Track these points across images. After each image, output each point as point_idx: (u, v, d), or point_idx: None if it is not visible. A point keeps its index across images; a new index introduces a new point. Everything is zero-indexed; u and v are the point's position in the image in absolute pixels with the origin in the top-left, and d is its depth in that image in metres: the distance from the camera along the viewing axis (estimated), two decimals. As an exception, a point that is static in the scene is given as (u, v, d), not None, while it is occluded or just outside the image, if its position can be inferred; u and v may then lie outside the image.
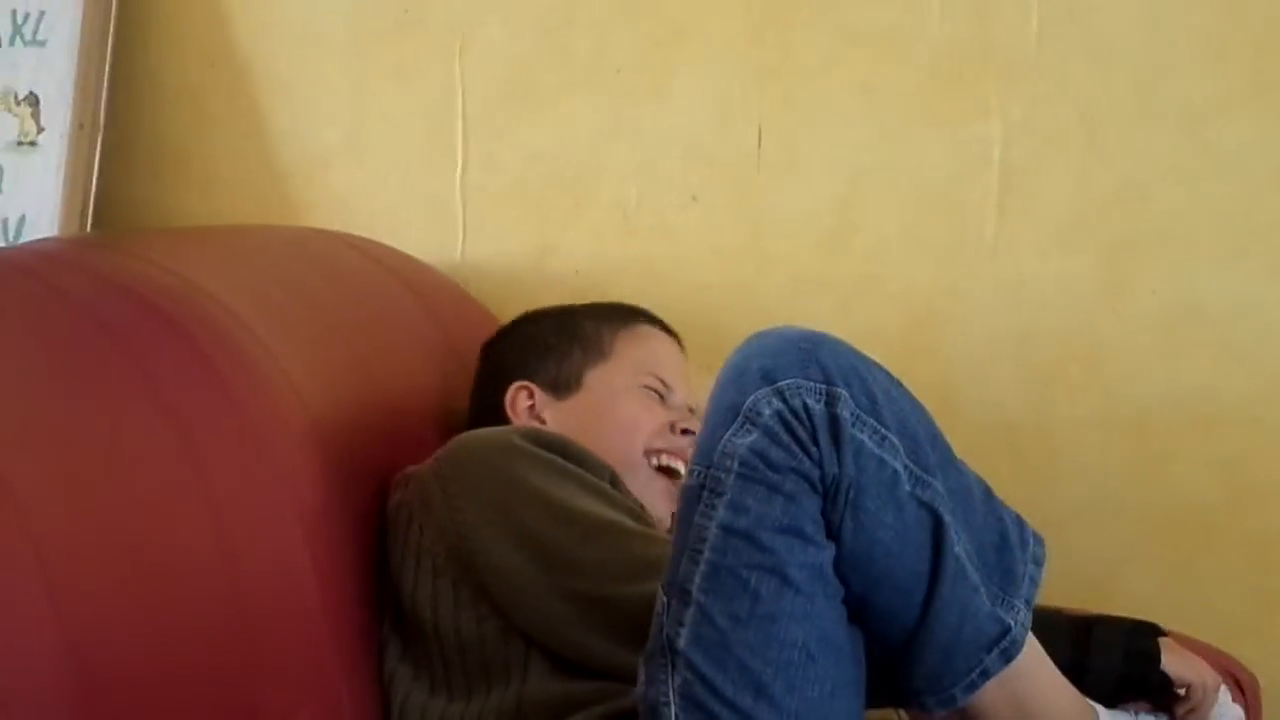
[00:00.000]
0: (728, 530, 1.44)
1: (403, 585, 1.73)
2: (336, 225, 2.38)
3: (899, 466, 1.45)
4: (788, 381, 1.44)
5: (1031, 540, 1.54)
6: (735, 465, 1.44)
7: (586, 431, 1.87)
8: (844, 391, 1.44)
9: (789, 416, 1.43)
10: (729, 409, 1.46)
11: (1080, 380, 2.19)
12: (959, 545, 1.46)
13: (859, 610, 1.47)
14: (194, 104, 2.49)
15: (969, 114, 2.18)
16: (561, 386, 1.95)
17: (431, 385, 2.04)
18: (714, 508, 1.45)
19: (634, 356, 1.96)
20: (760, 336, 1.51)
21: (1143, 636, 1.67)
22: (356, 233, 2.34)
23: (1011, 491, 2.11)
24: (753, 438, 1.44)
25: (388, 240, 2.34)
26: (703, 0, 2.28)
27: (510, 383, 1.96)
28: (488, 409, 1.97)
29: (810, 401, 1.44)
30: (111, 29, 2.42)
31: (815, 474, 1.43)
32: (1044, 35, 2.15)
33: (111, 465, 1.47)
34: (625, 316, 2.02)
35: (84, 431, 1.47)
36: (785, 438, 1.43)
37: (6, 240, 2.38)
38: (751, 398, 1.45)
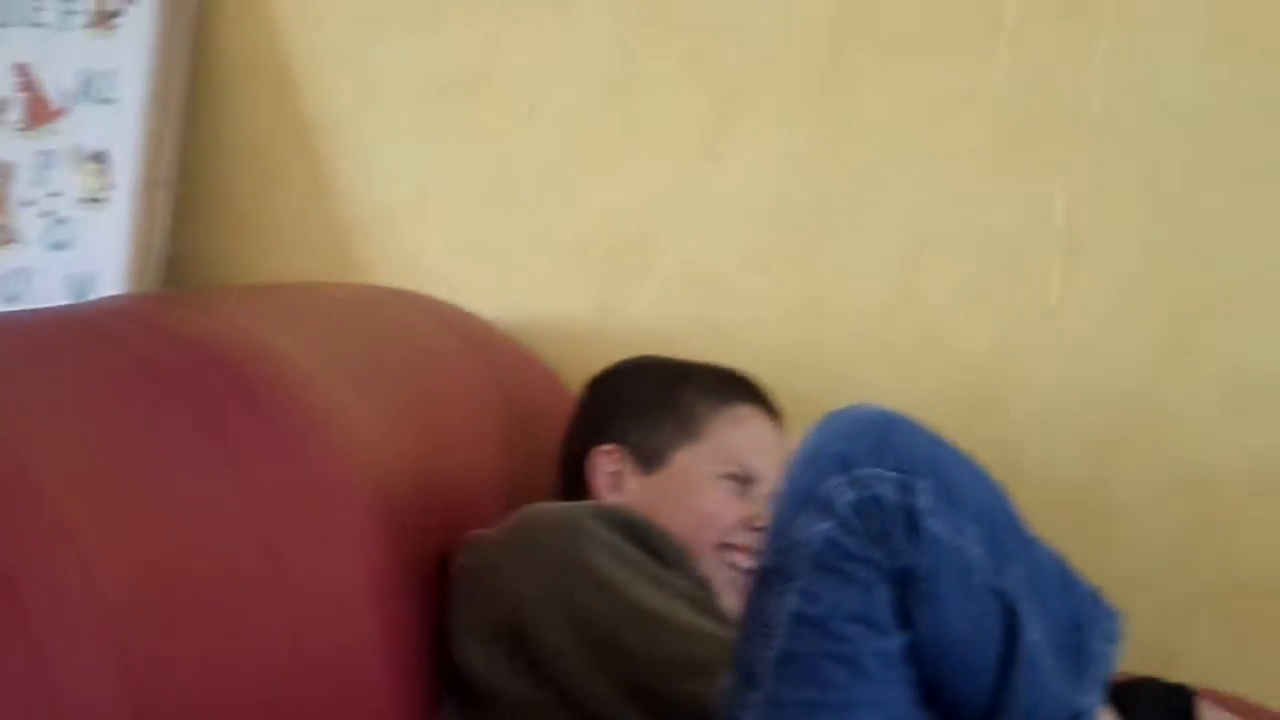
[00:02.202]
0: (799, 618, 1.42)
1: (457, 646, 1.73)
2: (402, 282, 2.40)
3: (974, 556, 1.43)
4: (863, 470, 1.43)
5: (1104, 617, 1.51)
6: (809, 553, 1.43)
7: (663, 512, 1.85)
8: (920, 481, 1.43)
9: (864, 506, 1.42)
10: (804, 495, 1.45)
11: (1144, 444, 2.17)
12: (1032, 631, 1.44)
13: (932, 694, 1.45)
14: (262, 161, 2.51)
15: (1032, 176, 2.18)
16: (648, 459, 1.93)
17: (492, 443, 2.05)
18: (785, 594, 1.43)
19: (725, 442, 1.93)
20: (834, 418, 1.49)
21: (1178, 697, 1.65)
22: (422, 290, 2.35)
23: (1074, 554, 2.10)
24: (827, 526, 1.42)
25: (452, 298, 2.36)
26: (765, 62, 2.29)
27: (600, 439, 1.96)
28: (575, 461, 1.97)
29: (886, 492, 1.42)
30: (181, 87, 2.44)
31: (890, 564, 1.42)
32: (1106, 98, 2.14)
33: (178, 521, 1.48)
34: (727, 392, 1.98)
35: (151, 488, 1.48)
36: (860, 528, 1.42)
37: (76, 297, 2.40)
38: (826, 485, 1.44)
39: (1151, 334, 2.16)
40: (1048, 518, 2.16)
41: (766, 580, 1.46)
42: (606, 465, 1.94)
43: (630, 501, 1.90)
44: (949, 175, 2.22)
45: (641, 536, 1.76)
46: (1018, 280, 2.20)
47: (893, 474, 1.43)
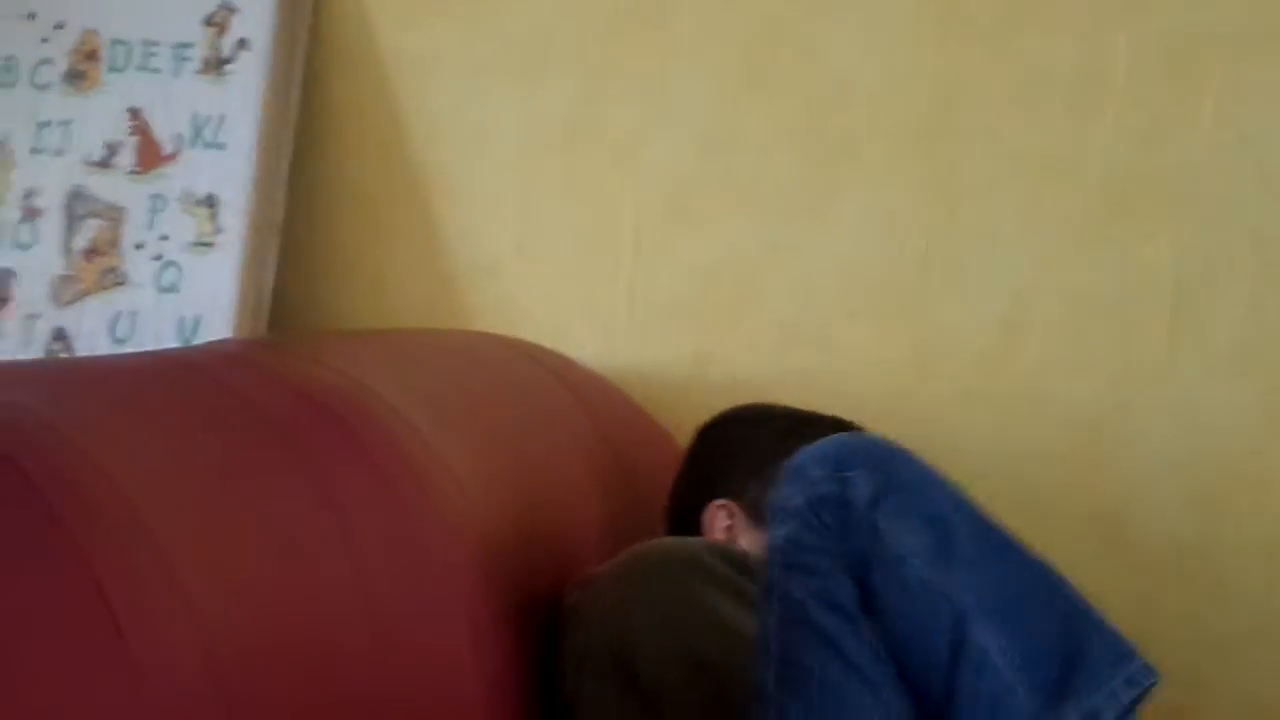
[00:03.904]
0: (784, 622, 1.52)
1: (569, 684, 1.72)
2: (504, 329, 2.41)
3: (907, 550, 1.51)
4: (814, 473, 1.55)
5: (1130, 663, 1.50)
6: (778, 558, 1.54)
7: None
8: (861, 475, 1.53)
9: (816, 503, 1.53)
10: (771, 515, 1.58)
11: (1247, 504, 2.16)
12: (986, 638, 1.48)
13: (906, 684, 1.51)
14: (369, 208, 2.53)
15: (1138, 236, 2.18)
16: (762, 515, 1.86)
17: (593, 489, 2.05)
18: (771, 605, 1.54)
19: None
20: (812, 445, 1.60)
21: None
22: (523, 337, 2.36)
23: (1177, 613, 2.09)
24: (788, 528, 1.54)
25: (553, 344, 2.37)
26: (869, 119, 2.30)
27: (715, 493, 1.96)
28: (689, 509, 1.98)
29: (832, 488, 1.53)
30: (289, 134, 2.47)
31: (843, 552, 1.51)
32: (1215, 158, 2.14)
33: (280, 565, 1.49)
34: None
35: (255, 532, 1.49)
36: (815, 522, 1.53)
37: (183, 339, 2.42)
38: (783, 495, 1.56)
39: (1257, 395, 2.15)
40: (1150, 575, 2.17)
41: (758, 606, 1.56)
42: (721, 520, 1.95)
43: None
44: (1054, 233, 2.22)
45: (756, 572, 1.75)
46: (1123, 339, 2.19)
47: (837, 473, 1.53)
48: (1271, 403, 2.14)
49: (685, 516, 1.98)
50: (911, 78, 2.28)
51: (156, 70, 2.51)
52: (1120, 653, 1.51)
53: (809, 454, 1.58)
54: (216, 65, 2.48)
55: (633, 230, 2.41)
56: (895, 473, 1.54)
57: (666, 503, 2.02)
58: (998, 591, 1.50)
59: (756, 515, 1.91)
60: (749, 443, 2.00)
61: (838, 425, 2.00)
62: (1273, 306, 2.14)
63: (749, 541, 1.91)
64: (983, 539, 1.53)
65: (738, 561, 1.76)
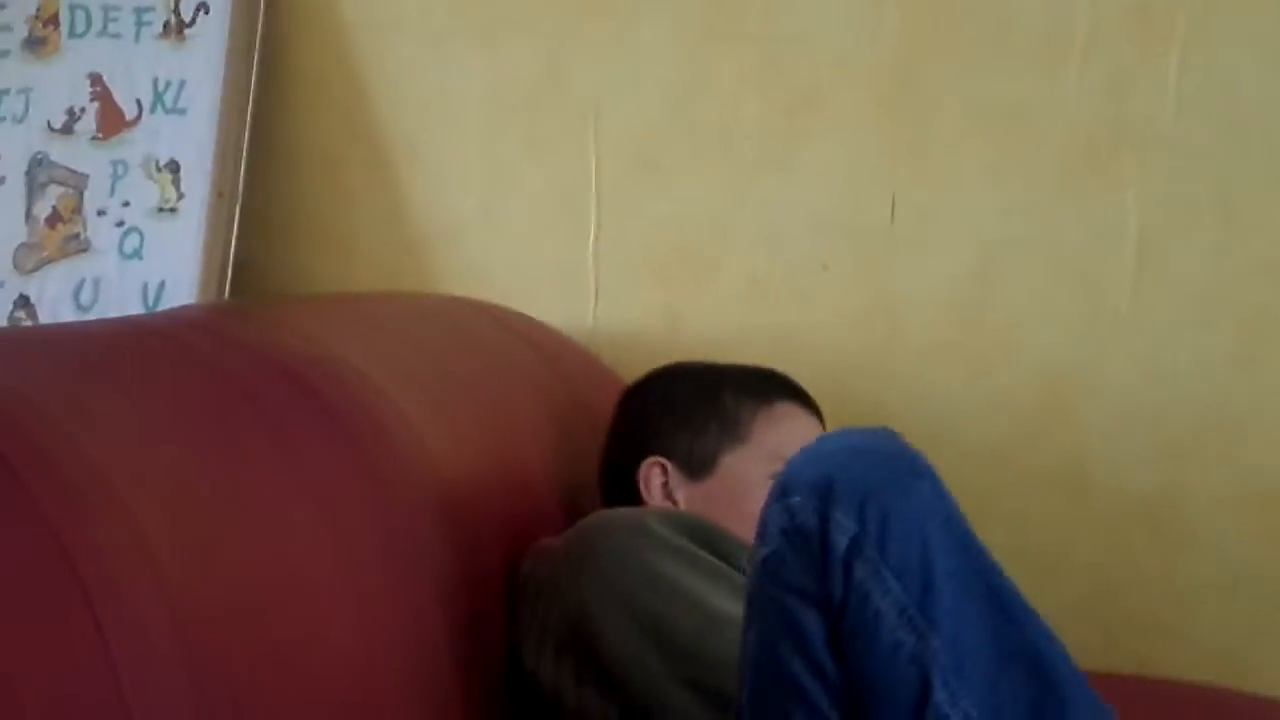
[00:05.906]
0: (757, 658, 1.45)
1: (525, 657, 1.73)
2: (470, 292, 2.40)
3: (882, 608, 1.40)
4: (796, 499, 1.43)
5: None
6: (759, 576, 1.45)
7: (716, 517, 1.83)
8: (844, 519, 1.41)
9: (794, 534, 1.42)
10: (761, 519, 1.47)
11: (1213, 453, 2.17)
12: (952, 707, 1.39)
13: None
14: (332, 173, 2.52)
15: (1104, 187, 2.18)
16: (696, 466, 1.92)
17: (561, 451, 2.04)
18: (750, 626, 1.47)
19: (771, 442, 1.91)
20: (818, 441, 1.52)
21: None
22: (490, 299, 2.36)
23: (1145, 563, 2.10)
24: (769, 549, 1.44)
25: (520, 306, 2.36)
26: (834, 72, 2.29)
27: (645, 453, 1.94)
28: (621, 474, 1.96)
29: (812, 524, 1.42)
30: (251, 98, 2.45)
31: (816, 590, 1.42)
32: (1180, 109, 2.14)
33: (248, 529, 1.49)
34: (766, 391, 1.97)
35: (223, 498, 1.48)
36: (791, 555, 1.43)
37: (147, 306, 2.41)
38: (770, 510, 1.45)
39: (1221, 344, 2.16)
40: (1118, 526, 2.18)
41: (745, 611, 1.49)
42: (656, 477, 1.93)
43: (683, 510, 1.89)
44: (1020, 184, 2.22)
45: (706, 538, 1.75)
46: (1088, 289, 2.20)
47: (821, 505, 1.42)
48: (1236, 352, 2.15)
49: (618, 480, 1.96)
50: (877, 30, 2.27)
51: (117, 35, 2.50)
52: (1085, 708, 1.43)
53: (797, 466, 1.47)
54: (177, 29, 2.47)
55: (598, 190, 2.41)
56: (883, 512, 1.40)
57: (598, 473, 2.01)
58: (973, 656, 1.40)
59: (690, 468, 1.93)
60: (673, 399, 1.98)
61: (758, 372, 2.01)
62: (1238, 256, 2.14)
63: (686, 495, 1.92)
64: (966, 593, 1.41)
65: (690, 528, 1.75)
